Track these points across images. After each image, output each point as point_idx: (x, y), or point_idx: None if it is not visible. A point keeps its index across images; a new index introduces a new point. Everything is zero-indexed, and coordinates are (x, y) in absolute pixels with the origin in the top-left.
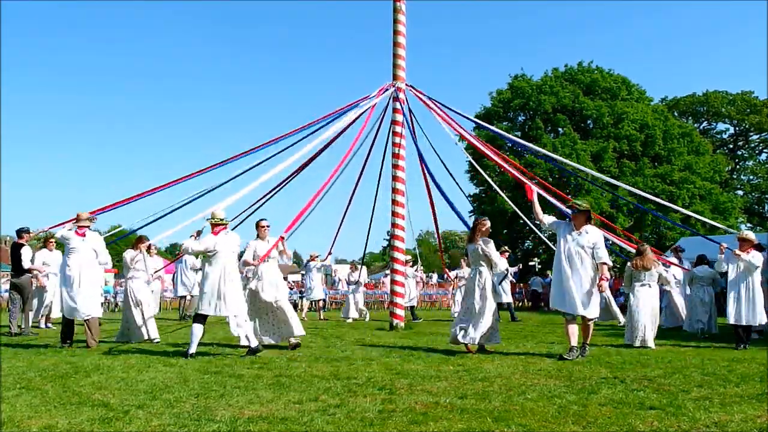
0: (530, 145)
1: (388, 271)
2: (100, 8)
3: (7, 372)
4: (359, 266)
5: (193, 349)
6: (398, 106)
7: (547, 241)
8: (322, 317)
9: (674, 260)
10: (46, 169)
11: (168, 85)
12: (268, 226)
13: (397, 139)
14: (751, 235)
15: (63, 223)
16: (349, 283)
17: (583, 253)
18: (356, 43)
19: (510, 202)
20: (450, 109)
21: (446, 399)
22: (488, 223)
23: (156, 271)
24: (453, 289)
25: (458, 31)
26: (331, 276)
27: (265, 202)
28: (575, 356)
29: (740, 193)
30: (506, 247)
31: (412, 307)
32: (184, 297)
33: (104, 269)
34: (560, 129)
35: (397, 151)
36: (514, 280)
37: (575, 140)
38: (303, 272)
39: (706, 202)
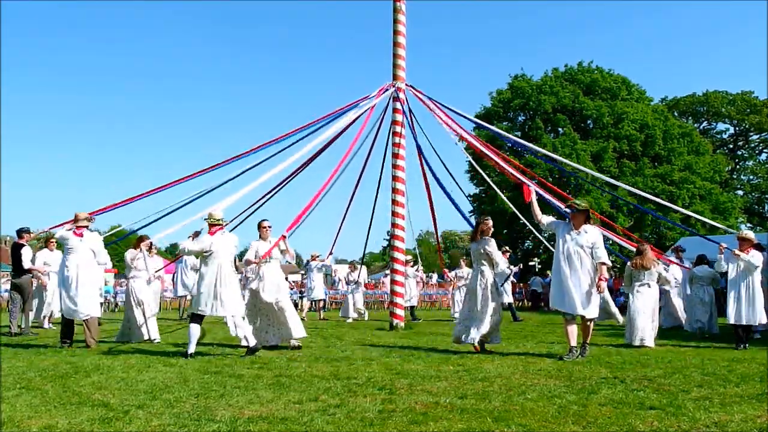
0: (530, 145)
1: (388, 271)
2: (100, 8)
3: (7, 372)
4: (358, 266)
5: (192, 349)
6: (398, 106)
7: (546, 243)
8: (321, 317)
9: (675, 260)
10: (46, 169)
11: (168, 85)
12: (269, 227)
13: (397, 139)
14: (750, 234)
15: (63, 224)
16: (348, 282)
17: (582, 252)
18: (356, 43)
19: (509, 203)
20: (450, 109)
21: (446, 399)
22: (491, 223)
23: (156, 271)
24: (452, 289)
25: (458, 31)
26: (331, 276)
27: (265, 203)
28: (575, 356)
29: (740, 193)
30: (507, 247)
31: (412, 307)
32: (184, 297)
33: (104, 269)
34: (560, 129)
35: (397, 151)
36: (514, 280)
37: (575, 140)
38: (303, 272)
39: (706, 202)
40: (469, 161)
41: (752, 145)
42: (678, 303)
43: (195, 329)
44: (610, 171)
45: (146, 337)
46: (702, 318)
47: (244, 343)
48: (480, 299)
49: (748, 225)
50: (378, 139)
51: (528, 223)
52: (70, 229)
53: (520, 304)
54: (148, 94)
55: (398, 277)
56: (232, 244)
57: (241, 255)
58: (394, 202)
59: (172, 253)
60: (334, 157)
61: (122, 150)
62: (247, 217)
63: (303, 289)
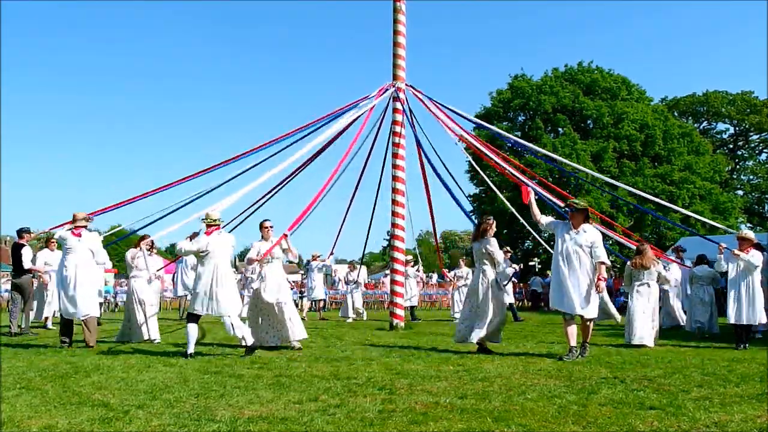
0: (530, 145)
1: (388, 271)
2: (100, 8)
3: (7, 372)
4: (358, 266)
5: (191, 349)
6: (398, 106)
7: (545, 244)
8: (321, 317)
9: (675, 260)
10: (46, 169)
11: (168, 85)
12: (271, 227)
13: (397, 139)
14: (750, 234)
15: (64, 224)
16: (347, 282)
17: (581, 252)
18: (356, 43)
19: (508, 204)
20: (450, 109)
21: (446, 399)
22: (493, 223)
23: (157, 270)
24: (452, 289)
25: (458, 31)
26: (331, 276)
27: (265, 203)
28: (575, 357)
29: (740, 193)
30: (508, 248)
31: (412, 307)
32: (185, 297)
33: (104, 269)
34: (560, 129)
35: (396, 151)
36: (515, 279)
37: (575, 140)
38: (303, 272)
39: (706, 202)
40: (469, 161)
41: (752, 145)
42: (676, 303)
43: (192, 329)
44: (610, 171)
45: (146, 337)
46: (702, 318)
47: (243, 342)
48: (482, 299)
49: (748, 225)
50: (378, 139)
51: (527, 225)
52: (69, 230)
53: (520, 304)
54: (148, 94)
55: (398, 277)
56: (229, 244)
57: (241, 255)
58: (394, 202)
59: (172, 253)
60: (334, 157)
61: (122, 150)
62: (247, 217)
63: (303, 289)
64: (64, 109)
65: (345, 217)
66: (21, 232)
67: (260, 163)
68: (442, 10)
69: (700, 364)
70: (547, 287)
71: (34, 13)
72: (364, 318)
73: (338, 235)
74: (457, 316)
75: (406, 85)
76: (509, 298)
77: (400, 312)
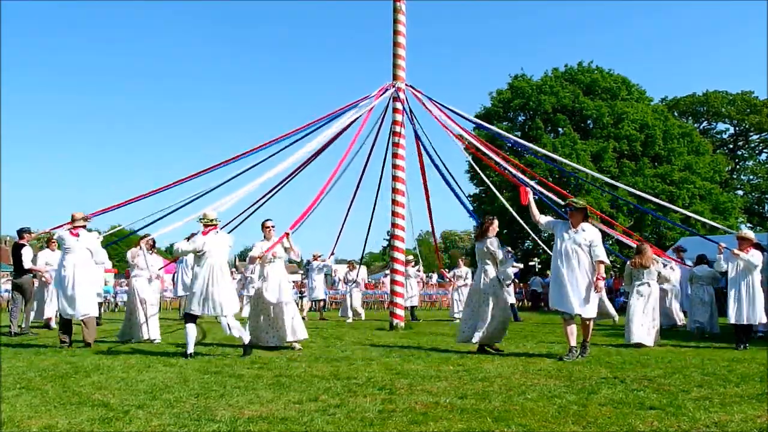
0: (530, 145)
1: (388, 271)
2: (100, 8)
3: (7, 372)
4: (357, 265)
5: (191, 349)
6: (398, 106)
7: (543, 245)
8: (321, 317)
9: (675, 259)
10: (46, 169)
11: (168, 85)
12: (273, 227)
13: (397, 139)
14: (750, 233)
15: (64, 224)
16: (346, 282)
17: (580, 250)
18: (356, 43)
19: (507, 205)
20: (450, 109)
21: (446, 399)
22: (496, 223)
23: (159, 269)
24: (452, 289)
25: (458, 31)
26: (331, 276)
27: (265, 203)
28: (575, 357)
29: (740, 193)
30: (509, 248)
31: (412, 307)
32: (185, 297)
33: (103, 269)
34: (560, 129)
35: (396, 151)
36: (515, 279)
37: (575, 140)
38: (302, 272)
39: (706, 202)
40: (469, 161)
41: (752, 145)
42: (675, 304)
43: (191, 329)
44: (610, 171)
45: (146, 337)
46: (702, 318)
47: (241, 342)
48: (484, 299)
49: (748, 225)
50: (378, 139)
51: (526, 226)
52: (67, 230)
53: (521, 304)
54: (148, 94)
55: (398, 277)
56: (226, 244)
57: (242, 255)
58: (394, 202)
59: (172, 253)
60: (335, 157)
61: (122, 150)
62: (247, 217)
63: (303, 290)
64: (64, 109)
65: (346, 217)
66: (21, 232)
67: (260, 162)
68: (442, 10)
69: (700, 364)
70: (547, 287)
71: (34, 13)
72: (362, 318)
73: (339, 235)
74: (457, 315)
75: (406, 85)
76: (511, 298)
77: (400, 312)
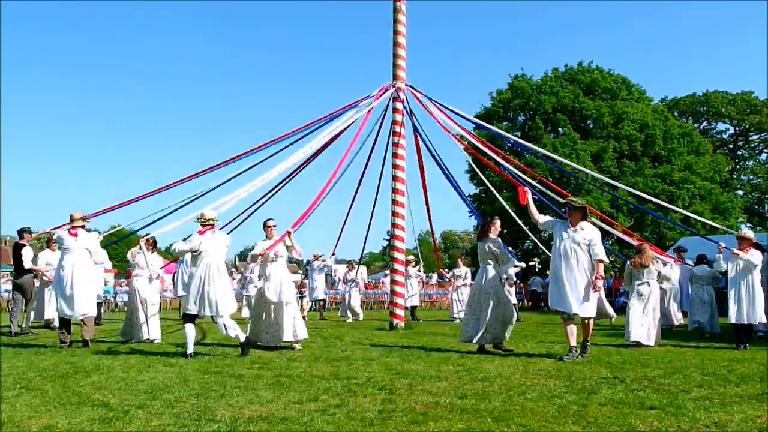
0: (529, 145)
1: (388, 271)
2: (100, 8)
3: (7, 372)
4: (356, 265)
5: (190, 349)
6: (398, 106)
7: (542, 246)
8: (321, 317)
9: (676, 258)
10: (46, 169)
11: (168, 85)
12: (274, 226)
13: (397, 139)
14: (749, 233)
15: (65, 225)
16: (345, 282)
17: (579, 249)
18: (356, 43)
19: (506, 205)
20: (450, 109)
21: (446, 399)
22: (498, 222)
23: (159, 268)
24: (451, 289)
25: (458, 31)
26: (331, 276)
27: (265, 202)
28: (575, 357)
29: (740, 193)
30: (510, 248)
31: (413, 307)
32: (185, 296)
33: (104, 269)
34: (560, 129)
35: (396, 151)
36: (516, 279)
37: (575, 140)
38: (302, 272)
39: (706, 202)
40: (469, 162)
41: (752, 145)
42: (673, 303)
43: (189, 329)
44: (610, 171)
45: (146, 337)
46: (702, 318)
47: (238, 341)
48: (486, 298)
49: (748, 225)
50: (379, 139)
51: (524, 227)
52: (66, 230)
53: (521, 304)
54: (148, 94)
55: (398, 277)
56: (223, 244)
57: (242, 255)
58: (394, 202)
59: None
60: (335, 157)
61: (122, 150)
62: (247, 217)
63: (303, 290)
64: (64, 109)
65: (347, 217)
66: (22, 232)
67: (260, 162)
68: (442, 10)
69: (700, 364)
70: (547, 287)
71: (34, 13)
72: (360, 318)
73: (340, 236)
74: (456, 315)
75: (406, 85)
76: (512, 299)
77: (400, 312)
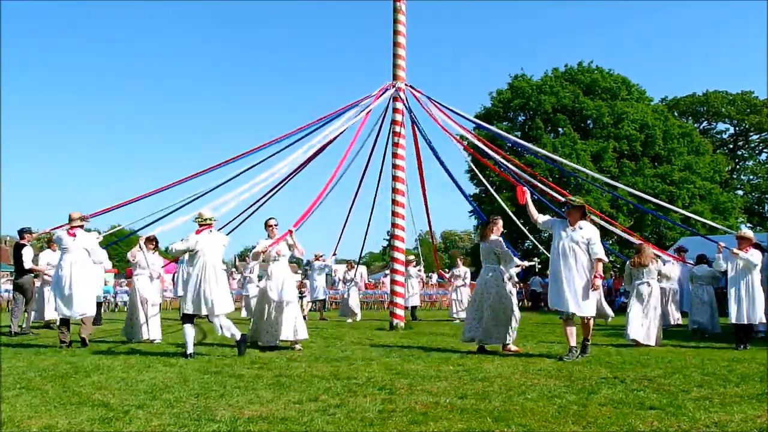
0: (529, 145)
1: (387, 271)
2: (100, 8)
3: (7, 372)
4: (355, 265)
5: (190, 349)
6: (398, 106)
7: (540, 246)
8: (321, 317)
9: (676, 257)
10: (46, 169)
11: (168, 85)
12: (276, 225)
13: (397, 139)
14: (749, 233)
15: (65, 225)
16: (345, 282)
17: (577, 248)
18: (356, 43)
19: (506, 206)
20: (450, 109)
21: (446, 399)
22: (501, 222)
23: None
24: (451, 289)
25: (458, 31)
26: (331, 276)
27: (265, 202)
28: (575, 357)
29: (740, 193)
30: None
31: (413, 307)
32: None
33: (104, 269)
34: (560, 129)
35: (396, 151)
36: (517, 279)
37: (575, 140)
38: (301, 272)
39: (706, 202)
40: (468, 162)
41: (752, 145)
42: (671, 303)
43: (188, 329)
44: (610, 171)
45: (146, 337)
46: (701, 318)
47: (234, 340)
48: (487, 298)
49: (748, 225)
50: (379, 139)
51: (523, 228)
52: (65, 230)
53: (521, 304)
54: (148, 94)
55: (398, 277)
56: (220, 243)
57: (242, 255)
58: (394, 202)
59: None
60: (335, 158)
61: (122, 150)
62: (247, 217)
63: (303, 289)
64: (64, 109)
65: (348, 217)
66: (22, 233)
67: (260, 162)
68: (442, 10)
69: (700, 364)
70: (547, 287)
71: (34, 13)
72: (357, 318)
73: (341, 236)
74: (455, 315)
75: (406, 85)
76: (514, 300)
77: (400, 312)
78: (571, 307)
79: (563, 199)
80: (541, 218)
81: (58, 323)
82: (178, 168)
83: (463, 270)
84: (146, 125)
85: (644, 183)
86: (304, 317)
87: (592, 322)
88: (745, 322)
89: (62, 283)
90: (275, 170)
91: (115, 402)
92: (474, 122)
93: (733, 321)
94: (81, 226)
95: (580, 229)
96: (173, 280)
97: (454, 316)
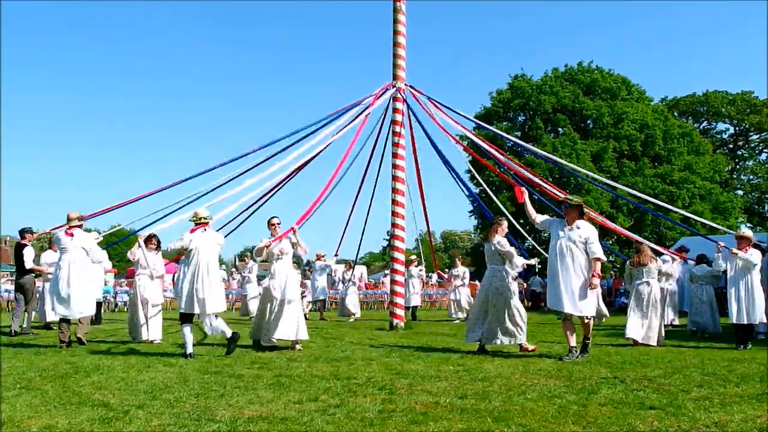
0: (528, 145)
1: (387, 271)
2: (100, 8)
3: (7, 372)
4: (353, 265)
5: (189, 349)
6: (398, 106)
7: (538, 246)
8: (321, 317)
9: (676, 258)
10: (46, 169)
11: (168, 85)
12: (279, 224)
13: (397, 139)
14: (748, 232)
15: (64, 225)
16: (343, 282)
17: (574, 248)
18: (356, 43)
19: (502, 208)
20: (450, 109)
21: (446, 399)
22: (505, 223)
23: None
24: (450, 289)
25: (458, 31)
26: (331, 276)
27: (265, 203)
28: (575, 357)
29: (740, 193)
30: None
31: (414, 307)
32: None
33: (104, 269)
34: (560, 129)
35: (396, 151)
36: (520, 276)
37: (575, 140)
38: (300, 272)
39: (706, 202)
40: (469, 162)
41: (752, 145)
42: (669, 303)
43: (187, 329)
44: (610, 171)
45: (145, 337)
46: (701, 318)
47: (226, 337)
48: (490, 298)
49: (748, 225)
50: (379, 139)
51: (522, 229)
52: (64, 230)
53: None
54: (148, 94)
55: (398, 277)
56: (215, 242)
57: (241, 255)
58: (394, 202)
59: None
60: (335, 158)
61: (122, 150)
62: (247, 217)
63: (303, 289)
64: (64, 109)
65: (349, 217)
66: (23, 233)
67: (261, 163)
68: (442, 10)
69: (700, 364)
70: (546, 287)
71: (34, 13)
72: (352, 318)
73: (343, 236)
74: (454, 316)
75: (406, 85)
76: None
77: (400, 312)
78: (568, 308)
79: (560, 199)
80: (539, 218)
81: (58, 322)
82: (178, 168)
83: (461, 270)
84: (146, 125)
85: (644, 183)
86: (305, 317)
87: (592, 321)
88: (745, 322)
89: (61, 283)
90: (275, 170)
91: (115, 402)
92: (474, 122)
93: (734, 321)
94: (79, 226)
95: (578, 228)
96: (173, 279)
97: (453, 315)
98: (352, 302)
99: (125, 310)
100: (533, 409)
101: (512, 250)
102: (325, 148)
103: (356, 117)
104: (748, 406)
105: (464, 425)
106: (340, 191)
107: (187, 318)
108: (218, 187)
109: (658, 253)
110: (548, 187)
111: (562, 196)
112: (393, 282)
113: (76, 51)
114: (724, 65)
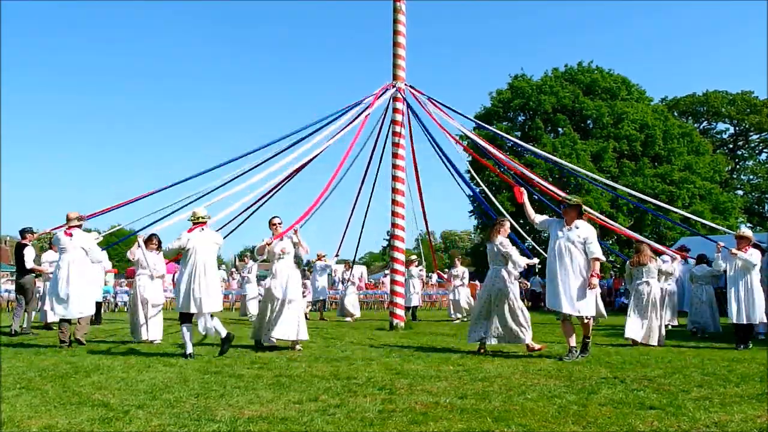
0: (528, 146)
1: (388, 271)
2: (100, 8)
3: (7, 372)
4: (352, 265)
5: (189, 349)
6: (398, 105)
7: (537, 246)
8: (322, 317)
9: (677, 256)
10: (46, 169)
11: (168, 85)
12: (280, 224)
13: (397, 139)
14: (748, 232)
15: (64, 225)
16: (343, 282)
17: (573, 248)
18: (356, 43)
19: (501, 208)
20: (450, 109)
21: (446, 399)
22: (507, 224)
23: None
24: (449, 289)
25: (458, 31)
26: (331, 276)
27: (264, 203)
28: (575, 357)
29: (740, 193)
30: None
31: (414, 307)
32: None
33: (104, 269)
34: (560, 129)
35: (396, 151)
36: (522, 277)
37: (575, 140)
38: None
39: (706, 202)
40: (468, 162)
41: (752, 145)
42: (669, 303)
43: (186, 329)
44: (610, 171)
45: (144, 338)
46: (701, 318)
47: (223, 335)
48: (492, 298)
49: (748, 225)
50: (379, 139)
51: (520, 230)
52: (63, 231)
53: None
54: (148, 94)
55: (398, 277)
56: (213, 242)
57: (241, 255)
58: (394, 202)
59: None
60: (335, 158)
61: (122, 150)
62: (247, 218)
63: (303, 290)
64: (64, 109)
65: (350, 217)
66: (24, 233)
67: (261, 164)
68: (442, 10)
69: (700, 364)
70: (546, 287)
71: (34, 13)
72: (350, 319)
73: (343, 236)
74: (453, 316)
75: (406, 85)
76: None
77: (400, 312)
78: (566, 308)
79: (559, 198)
80: (538, 218)
81: (58, 322)
82: (178, 168)
83: (461, 270)
84: (146, 125)
85: (644, 183)
86: (306, 317)
87: (590, 321)
88: (745, 322)
89: (60, 283)
90: (275, 170)
91: (115, 402)
92: (474, 122)
93: (734, 321)
94: (79, 226)
95: (577, 228)
96: (173, 279)
97: (453, 315)
98: (351, 303)
99: (125, 310)
100: (533, 409)
101: (514, 250)
102: (325, 148)
103: (356, 117)
104: (748, 406)
105: (464, 425)
106: (340, 191)
107: (186, 318)
108: (218, 187)
109: (658, 253)
110: (548, 186)
111: (562, 195)
112: (393, 282)
113: (76, 51)
114: (724, 65)
